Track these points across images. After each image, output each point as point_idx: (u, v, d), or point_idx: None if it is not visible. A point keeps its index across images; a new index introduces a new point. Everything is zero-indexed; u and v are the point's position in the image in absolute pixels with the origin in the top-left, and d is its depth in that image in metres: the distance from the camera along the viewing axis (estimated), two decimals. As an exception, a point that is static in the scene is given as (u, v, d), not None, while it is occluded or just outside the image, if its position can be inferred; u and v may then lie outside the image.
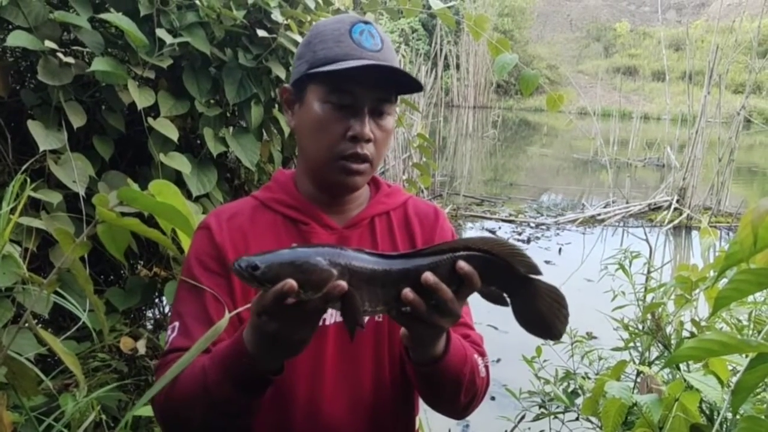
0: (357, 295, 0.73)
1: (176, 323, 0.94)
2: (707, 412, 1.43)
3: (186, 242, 1.06)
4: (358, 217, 1.03)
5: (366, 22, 0.95)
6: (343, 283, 0.70)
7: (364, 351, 0.99)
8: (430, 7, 2.08)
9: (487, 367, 1.00)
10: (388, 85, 0.95)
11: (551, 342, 2.12)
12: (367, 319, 0.97)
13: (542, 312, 0.80)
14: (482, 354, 1.00)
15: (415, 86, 0.97)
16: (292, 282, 0.68)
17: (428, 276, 0.74)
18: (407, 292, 0.73)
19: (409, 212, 1.08)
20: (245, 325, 0.80)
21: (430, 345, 0.84)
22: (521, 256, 0.78)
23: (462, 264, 0.75)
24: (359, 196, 1.06)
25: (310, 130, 0.95)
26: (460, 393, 0.92)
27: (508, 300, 0.81)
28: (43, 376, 0.90)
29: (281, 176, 1.06)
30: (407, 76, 0.94)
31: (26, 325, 0.84)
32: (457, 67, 21.48)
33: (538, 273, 0.79)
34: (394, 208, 1.07)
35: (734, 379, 1.39)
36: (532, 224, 7.35)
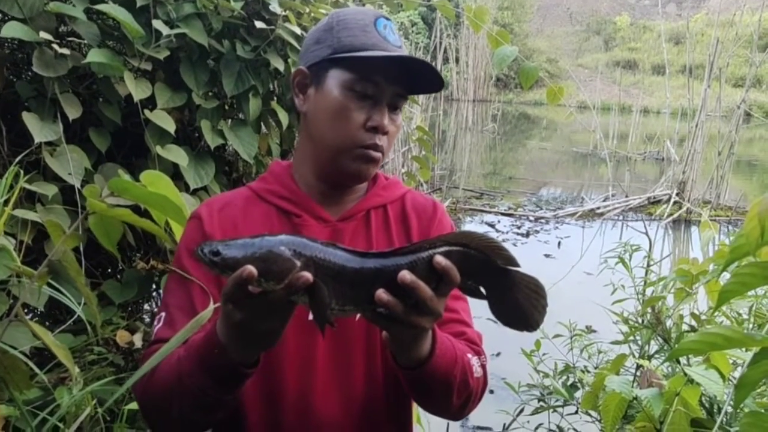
0: (322, 287, 0.70)
1: (162, 314, 0.94)
2: (707, 406, 1.42)
3: (178, 233, 1.05)
4: (353, 210, 1.01)
5: (387, 18, 0.96)
6: (308, 274, 0.67)
7: (356, 346, 0.97)
8: (429, 0, 2.06)
9: (483, 366, 0.97)
10: (407, 81, 0.95)
11: (550, 335, 2.15)
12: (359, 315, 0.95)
13: (520, 303, 0.79)
14: (478, 353, 0.98)
15: (436, 85, 0.97)
16: (251, 269, 0.66)
17: (405, 275, 0.71)
18: (380, 293, 0.70)
19: (406, 206, 1.07)
20: (218, 316, 0.78)
21: (414, 347, 0.81)
22: (499, 248, 0.76)
23: (439, 259, 0.73)
24: (358, 189, 1.05)
25: (328, 116, 0.95)
26: (452, 395, 0.89)
27: (484, 293, 0.80)
28: (37, 370, 0.89)
29: (277, 167, 1.05)
30: (435, 72, 0.94)
31: (17, 317, 0.83)
32: (457, 60, 21.42)
33: (516, 265, 0.78)
34: (392, 202, 1.06)
35: (735, 374, 1.38)
36: (531, 218, 7.35)
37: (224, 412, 0.85)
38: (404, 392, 1.02)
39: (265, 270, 0.67)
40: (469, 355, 0.94)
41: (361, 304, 0.73)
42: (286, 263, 0.68)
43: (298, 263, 0.69)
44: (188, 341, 0.84)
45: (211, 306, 0.82)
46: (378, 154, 0.96)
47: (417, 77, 0.95)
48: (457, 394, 0.89)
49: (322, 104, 0.95)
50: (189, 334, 0.81)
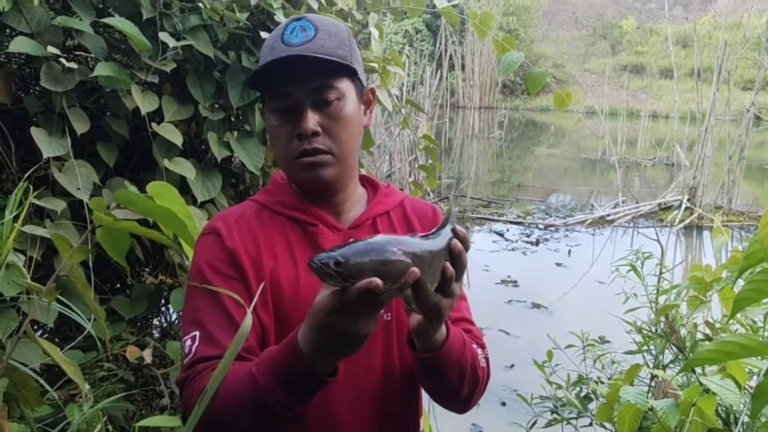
0: (426, 280, 0.75)
1: (196, 332, 0.91)
2: (724, 416, 1.39)
3: (185, 244, 1.04)
4: (362, 218, 1.03)
5: (299, 18, 0.95)
6: (417, 271, 0.72)
7: (376, 349, 0.98)
8: (434, 6, 2.06)
9: (487, 358, 1.02)
10: (323, 73, 0.93)
11: (562, 345, 2.12)
12: None
13: None
14: (482, 346, 1.02)
15: (341, 65, 0.94)
16: (377, 281, 0.68)
17: (457, 243, 0.79)
18: (448, 266, 0.78)
19: (407, 211, 1.09)
20: (298, 328, 0.79)
21: (441, 325, 0.86)
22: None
23: (459, 228, 0.82)
24: (352, 196, 1.05)
25: (271, 141, 1.00)
26: (464, 381, 0.94)
27: None
28: (48, 387, 0.88)
29: (279, 179, 1.06)
30: (324, 61, 0.91)
31: (26, 334, 0.83)
32: (462, 67, 21.44)
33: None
34: (393, 208, 1.08)
35: (751, 383, 1.36)
36: (541, 226, 7.30)
37: (299, 421, 0.85)
38: (416, 396, 1.07)
39: (386, 273, 0.70)
40: (474, 346, 0.98)
41: (438, 280, 0.79)
42: (402, 264, 0.71)
43: (410, 261, 0.72)
44: (260, 358, 0.83)
45: (249, 317, 0.80)
46: (317, 157, 0.94)
47: (327, 65, 0.92)
48: (468, 380, 0.94)
49: (268, 132, 1.01)
50: (238, 348, 0.79)
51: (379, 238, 0.73)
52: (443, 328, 0.88)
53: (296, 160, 0.95)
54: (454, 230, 0.82)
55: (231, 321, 0.90)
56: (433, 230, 0.82)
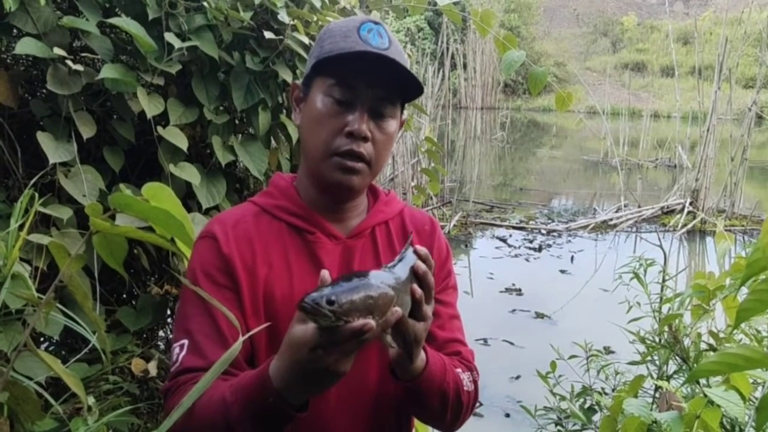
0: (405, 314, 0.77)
1: (185, 341, 0.91)
2: (729, 428, 1.39)
3: (183, 247, 1.03)
4: (361, 227, 1.02)
5: (376, 23, 0.95)
6: (399, 310, 0.74)
7: (371, 363, 0.98)
8: (435, 4, 2.06)
9: (475, 381, 1.01)
10: (391, 85, 0.94)
11: (566, 356, 2.11)
12: None
13: None
14: (471, 369, 1.02)
15: (415, 90, 0.97)
16: (371, 323, 0.69)
17: (420, 265, 0.80)
18: (416, 288, 0.79)
19: (406, 221, 1.08)
20: (270, 360, 0.78)
21: (417, 353, 0.86)
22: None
23: (419, 248, 0.83)
24: (359, 204, 1.05)
25: (310, 124, 0.95)
26: (447, 405, 0.94)
27: None
28: (52, 401, 0.88)
29: (281, 181, 1.04)
30: (408, 73, 0.93)
31: (26, 346, 0.82)
32: (464, 66, 21.38)
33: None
34: (392, 218, 1.07)
35: (756, 394, 1.35)
36: (543, 231, 7.25)
37: None
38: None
39: (373, 308, 0.71)
40: (459, 370, 0.98)
41: (407, 309, 0.80)
42: (387, 298, 0.73)
43: (394, 295, 0.74)
44: (235, 383, 0.82)
45: (240, 339, 0.81)
46: (357, 164, 0.93)
47: (398, 81, 0.94)
48: (450, 405, 0.94)
49: (307, 114, 0.96)
50: (223, 368, 0.80)
51: (365, 274, 0.75)
52: (422, 354, 0.88)
53: (335, 157, 0.93)
54: (415, 251, 0.82)
55: (219, 332, 0.90)
56: (396, 258, 0.82)
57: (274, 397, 0.76)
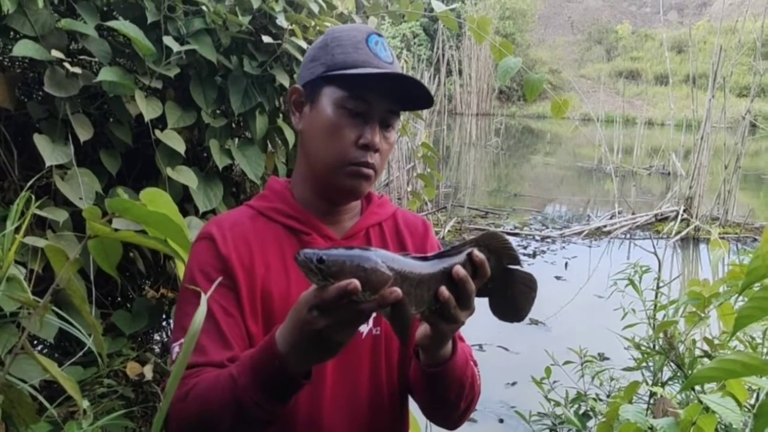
0: (407, 301, 0.76)
1: (184, 339, 0.92)
2: (723, 435, 1.39)
3: (180, 252, 1.03)
4: (356, 228, 1.05)
5: (379, 34, 0.99)
6: (398, 290, 0.73)
7: (362, 364, 1.00)
8: (432, 10, 2.07)
9: (479, 375, 1.03)
10: (398, 98, 0.97)
11: (561, 362, 2.11)
12: (366, 331, 1.00)
13: (516, 298, 0.87)
14: (475, 363, 1.04)
15: (425, 102, 1.00)
16: (356, 283, 0.69)
17: (459, 270, 0.79)
18: (444, 291, 0.78)
19: (399, 223, 1.11)
20: (276, 327, 0.79)
21: (445, 345, 0.88)
22: (510, 249, 0.85)
23: (476, 252, 0.81)
24: (354, 206, 1.07)
25: (322, 133, 0.97)
26: (462, 395, 0.95)
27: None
28: (47, 404, 0.87)
29: (276, 185, 1.06)
30: (424, 89, 0.96)
31: (22, 349, 0.81)
32: (460, 72, 21.47)
33: (519, 264, 0.86)
34: (385, 219, 1.10)
35: (752, 401, 1.36)
36: (537, 237, 7.27)
37: (274, 426, 0.85)
38: (404, 412, 1.08)
39: (365, 281, 0.71)
40: (472, 364, 1.00)
41: (427, 304, 0.80)
42: (383, 276, 0.73)
43: (392, 276, 0.74)
44: (242, 356, 0.84)
45: (202, 309, 0.79)
46: (370, 171, 0.97)
47: (407, 94, 0.97)
48: (465, 396, 0.96)
49: (316, 122, 0.97)
50: (193, 342, 0.78)
51: (370, 249, 0.76)
52: (450, 343, 0.89)
53: (350, 166, 0.96)
54: (470, 254, 0.81)
55: (219, 330, 0.91)
56: (439, 252, 0.82)
57: (279, 360, 0.77)
